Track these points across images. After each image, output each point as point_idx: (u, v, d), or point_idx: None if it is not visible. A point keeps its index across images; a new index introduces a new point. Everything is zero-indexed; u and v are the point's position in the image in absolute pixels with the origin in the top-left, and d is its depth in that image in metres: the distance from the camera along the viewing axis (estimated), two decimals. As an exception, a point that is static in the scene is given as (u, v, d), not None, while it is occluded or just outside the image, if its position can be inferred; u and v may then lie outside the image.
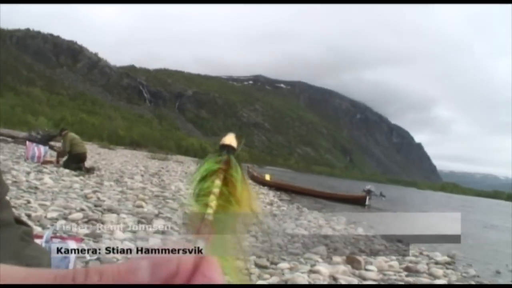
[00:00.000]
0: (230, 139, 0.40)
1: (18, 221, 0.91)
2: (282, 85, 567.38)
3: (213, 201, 0.36)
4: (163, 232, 5.68)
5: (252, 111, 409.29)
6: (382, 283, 5.12)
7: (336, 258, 5.85)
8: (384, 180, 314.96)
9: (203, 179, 0.39)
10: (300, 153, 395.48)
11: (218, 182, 0.37)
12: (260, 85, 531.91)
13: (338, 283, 4.70)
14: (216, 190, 0.36)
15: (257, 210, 0.42)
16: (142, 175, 15.48)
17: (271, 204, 13.52)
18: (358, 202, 20.99)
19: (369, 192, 22.52)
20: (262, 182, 24.65)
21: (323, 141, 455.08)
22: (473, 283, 6.27)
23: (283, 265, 5.04)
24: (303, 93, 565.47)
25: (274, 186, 23.09)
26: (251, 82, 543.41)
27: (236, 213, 0.39)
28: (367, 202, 21.08)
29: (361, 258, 5.96)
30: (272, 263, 5.14)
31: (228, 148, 0.38)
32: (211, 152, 0.43)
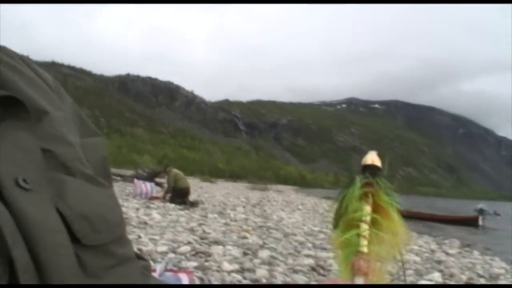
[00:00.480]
0: (372, 158, 0.31)
1: (137, 256, 0.88)
2: (376, 105, 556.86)
3: (366, 231, 0.30)
4: (269, 263, 5.63)
5: (348, 135, 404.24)
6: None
7: (454, 285, 5.46)
8: (496, 197, 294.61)
9: (349, 205, 0.33)
10: (402, 174, 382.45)
11: (368, 208, 0.29)
12: (353, 108, 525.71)
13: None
14: (367, 218, 0.30)
15: (409, 238, 0.30)
16: (244, 206, 15.65)
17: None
18: (470, 223, 19.75)
19: (481, 211, 21.17)
20: None
21: (426, 160, 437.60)
22: None
23: (398, 293, 4.76)
24: (399, 111, 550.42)
25: None
26: (344, 105, 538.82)
27: (392, 243, 0.33)
28: (480, 222, 19.77)
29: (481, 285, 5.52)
30: (385, 291, 4.89)
31: (372, 168, 0.31)
32: (356, 175, 0.33)
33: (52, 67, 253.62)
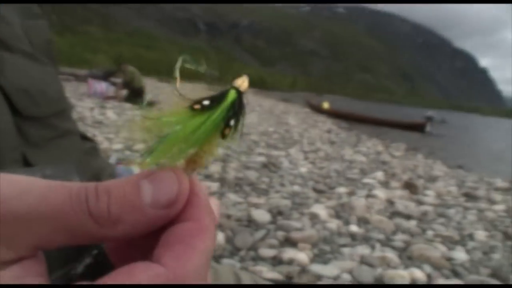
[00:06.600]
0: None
1: (85, 137, 0.98)
2: (341, 9, 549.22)
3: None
4: (223, 160, 5.85)
5: (309, 39, 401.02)
6: (440, 208, 5.06)
7: (394, 183, 5.84)
8: (446, 107, 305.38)
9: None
10: (359, 80, 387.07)
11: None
12: (317, 12, 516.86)
13: (395, 207, 4.70)
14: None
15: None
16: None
17: (329, 131, 13.44)
18: (417, 128, 20.41)
19: (429, 118, 21.92)
20: (320, 110, 24.53)
21: (383, 67, 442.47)
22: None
23: (341, 189, 5.09)
24: (361, 17, 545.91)
25: (333, 114, 22.78)
26: (308, 8, 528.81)
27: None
28: (427, 129, 20.52)
29: (419, 183, 5.93)
30: (329, 188, 5.21)
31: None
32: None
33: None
